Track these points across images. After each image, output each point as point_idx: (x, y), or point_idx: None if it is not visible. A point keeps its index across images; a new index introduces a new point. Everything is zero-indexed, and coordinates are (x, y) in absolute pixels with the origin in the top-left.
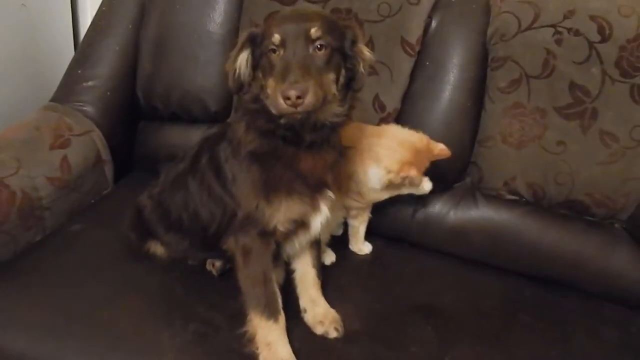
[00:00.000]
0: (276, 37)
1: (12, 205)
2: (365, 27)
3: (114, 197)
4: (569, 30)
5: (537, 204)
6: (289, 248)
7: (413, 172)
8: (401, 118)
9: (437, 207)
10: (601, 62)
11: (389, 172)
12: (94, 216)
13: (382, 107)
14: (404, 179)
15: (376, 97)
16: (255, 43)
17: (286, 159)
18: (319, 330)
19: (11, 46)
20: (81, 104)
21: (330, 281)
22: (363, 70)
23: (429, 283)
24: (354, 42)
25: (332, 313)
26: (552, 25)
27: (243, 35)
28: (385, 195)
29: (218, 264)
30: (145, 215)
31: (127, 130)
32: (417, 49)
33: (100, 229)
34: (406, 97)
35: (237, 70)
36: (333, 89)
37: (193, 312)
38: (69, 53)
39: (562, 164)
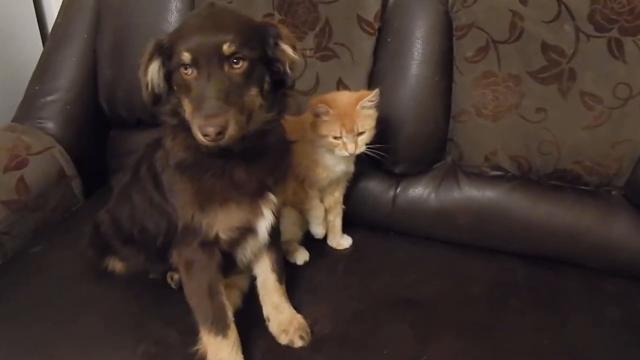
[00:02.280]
0: (186, 56)
1: None
2: (321, 9)
3: (83, 212)
4: None
5: (524, 177)
6: (242, 255)
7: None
8: None
9: (418, 191)
10: (573, 18)
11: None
12: (58, 235)
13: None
14: (316, 112)
15: (340, 81)
16: (164, 53)
17: (215, 170)
18: (283, 339)
19: None
20: (41, 120)
21: (302, 282)
22: (289, 71)
23: (411, 273)
24: (276, 43)
25: (298, 319)
26: None
27: (149, 45)
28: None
29: (177, 276)
30: (102, 231)
31: (94, 142)
32: (377, 25)
33: (63, 248)
34: (372, 77)
35: (149, 84)
36: (258, 102)
37: (146, 331)
38: None
39: (544, 132)
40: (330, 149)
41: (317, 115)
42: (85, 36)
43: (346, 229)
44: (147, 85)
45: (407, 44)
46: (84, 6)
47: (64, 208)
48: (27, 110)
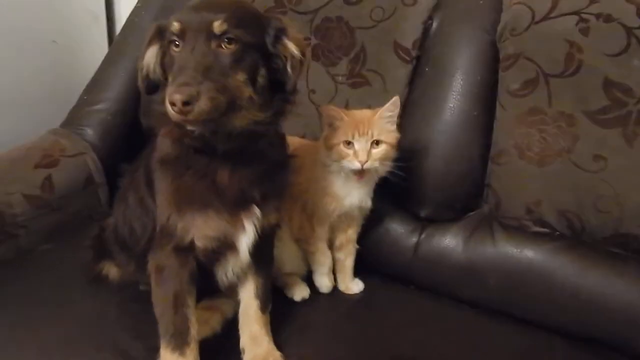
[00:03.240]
0: (175, 26)
1: None
2: (357, 35)
3: (103, 219)
4: (598, 16)
5: (574, 238)
6: (222, 273)
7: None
8: (400, 133)
9: (445, 241)
10: None
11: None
12: (71, 236)
13: None
14: (329, 116)
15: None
16: (164, 38)
17: (197, 169)
18: None
19: (42, 81)
20: (82, 127)
21: (293, 319)
22: (290, 69)
23: (421, 331)
24: (277, 37)
25: (275, 356)
26: (575, 13)
27: (151, 28)
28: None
29: None
30: (105, 235)
31: (128, 154)
32: (414, 53)
33: (70, 249)
34: (405, 108)
35: (145, 69)
36: (246, 92)
37: (112, 341)
38: None
39: (602, 185)
40: (340, 162)
41: (330, 123)
42: (137, 55)
43: (360, 274)
44: (142, 69)
45: (445, 73)
46: (140, 27)
47: (87, 213)
48: (73, 117)
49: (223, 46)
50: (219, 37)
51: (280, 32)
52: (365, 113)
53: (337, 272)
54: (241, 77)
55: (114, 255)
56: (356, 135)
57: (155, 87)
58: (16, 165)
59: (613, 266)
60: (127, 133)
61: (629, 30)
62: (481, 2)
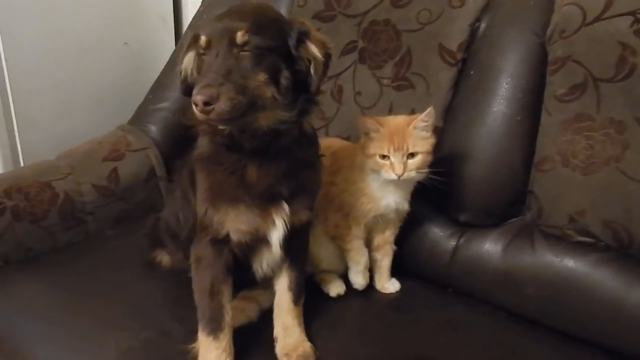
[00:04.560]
0: (203, 39)
1: (53, 204)
2: (404, 37)
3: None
4: None
5: (622, 251)
6: (257, 266)
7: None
8: (442, 137)
9: (485, 246)
10: None
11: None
12: (136, 226)
13: None
14: (365, 127)
15: (413, 113)
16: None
17: (228, 165)
18: None
19: (114, 80)
20: (146, 124)
21: (327, 314)
22: (313, 71)
23: (452, 335)
24: (300, 40)
25: (305, 347)
26: (631, 13)
27: (189, 36)
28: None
29: None
30: (160, 224)
31: (187, 151)
32: (459, 56)
33: (132, 237)
34: (448, 112)
35: (183, 73)
36: (268, 92)
37: (157, 321)
38: None
39: None
40: (377, 171)
41: (366, 133)
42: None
43: (398, 275)
44: (181, 74)
45: (490, 77)
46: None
47: (149, 205)
48: (139, 114)
49: (242, 52)
50: (240, 45)
51: (303, 36)
52: (399, 122)
53: (374, 272)
54: (262, 77)
55: (165, 244)
56: (391, 150)
57: (192, 89)
58: (87, 157)
59: None
60: (186, 130)
61: None
62: (532, 2)
